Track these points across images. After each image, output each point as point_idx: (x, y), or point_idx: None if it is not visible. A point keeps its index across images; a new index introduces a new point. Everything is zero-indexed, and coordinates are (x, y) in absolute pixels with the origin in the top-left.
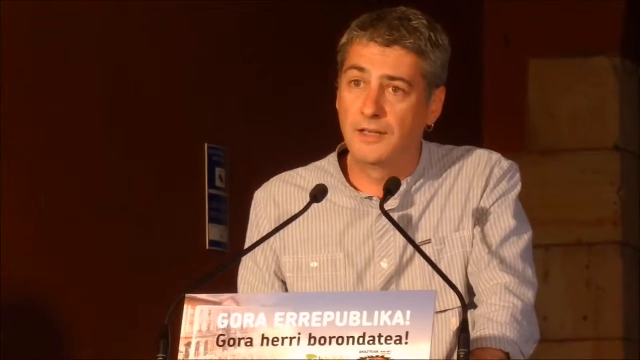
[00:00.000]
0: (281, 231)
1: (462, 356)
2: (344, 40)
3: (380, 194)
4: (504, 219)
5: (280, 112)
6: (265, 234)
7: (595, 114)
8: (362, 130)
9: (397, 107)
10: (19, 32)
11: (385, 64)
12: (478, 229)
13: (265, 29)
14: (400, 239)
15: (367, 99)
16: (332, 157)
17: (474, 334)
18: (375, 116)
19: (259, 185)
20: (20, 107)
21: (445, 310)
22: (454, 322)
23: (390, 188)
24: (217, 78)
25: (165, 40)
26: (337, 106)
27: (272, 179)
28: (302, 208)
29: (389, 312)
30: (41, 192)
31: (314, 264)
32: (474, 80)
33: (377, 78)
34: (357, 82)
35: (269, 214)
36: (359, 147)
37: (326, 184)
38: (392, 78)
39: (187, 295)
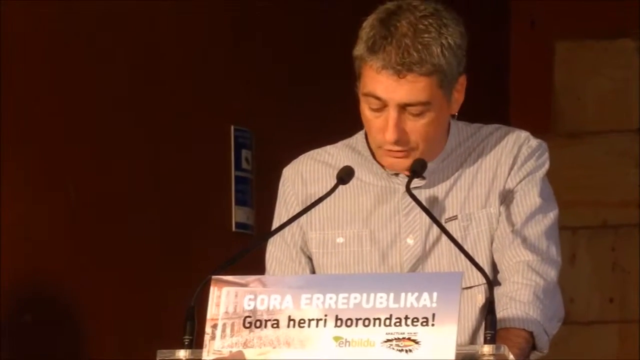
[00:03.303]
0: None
1: (488, 338)
2: (356, 52)
3: (408, 170)
4: (529, 196)
5: (306, 94)
6: (292, 211)
7: (620, 96)
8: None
9: (418, 124)
10: (44, 17)
11: (400, 93)
12: (504, 206)
13: (293, 14)
14: (426, 216)
15: (387, 126)
16: (360, 135)
17: (498, 312)
18: (398, 141)
19: (284, 167)
20: (47, 93)
21: (470, 287)
22: (480, 298)
23: (416, 169)
24: (243, 61)
25: (193, 24)
26: (361, 111)
27: (300, 156)
28: (329, 185)
29: (416, 294)
30: (69, 179)
31: (340, 240)
32: (501, 63)
33: (394, 106)
34: (375, 107)
35: (296, 191)
36: (386, 160)
37: (354, 162)
38: (409, 105)
39: (213, 277)
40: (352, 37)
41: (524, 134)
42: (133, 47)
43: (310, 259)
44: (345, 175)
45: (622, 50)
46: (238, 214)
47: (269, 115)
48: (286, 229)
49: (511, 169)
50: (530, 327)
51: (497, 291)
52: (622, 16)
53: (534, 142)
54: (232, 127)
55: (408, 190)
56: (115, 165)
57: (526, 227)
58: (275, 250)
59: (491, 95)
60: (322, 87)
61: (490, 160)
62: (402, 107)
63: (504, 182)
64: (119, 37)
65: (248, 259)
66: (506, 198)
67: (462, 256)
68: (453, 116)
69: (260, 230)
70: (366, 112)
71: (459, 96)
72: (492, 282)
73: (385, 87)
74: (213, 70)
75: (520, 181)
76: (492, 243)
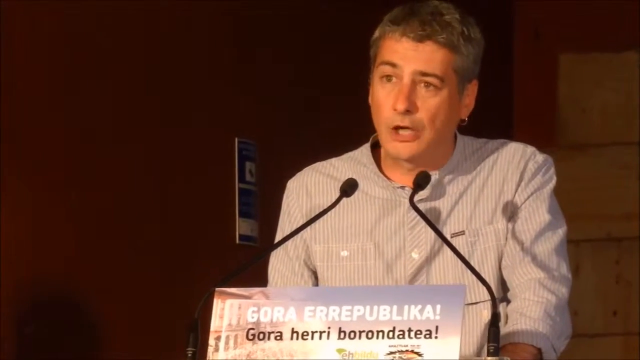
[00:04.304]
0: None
1: (491, 350)
2: (376, 34)
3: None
4: (538, 213)
5: (310, 106)
6: (296, 223)
7: (624, 108)
8: (396, 129)
9: (429, 103)
10: (49, 19)
11: (417, 60)
12: (512, 223)
13: (296, 25)
14: (431, 230)
15: (399, 95)
16: (365, 148)
17: (506, 328)
18: (407, 112)
19: (288, 179)
20: (50, 101)
21: (476, 303)
22: (485, 314)
23: (420, 182)
24: (247, 72)
25: (197, 35)
26: (370, 101)
27: (305, 169)
28: (334, 198)
29: (419, 306)
30: (72, 189)
31: (344, 253)
32: (505, 75)
33: (409, 74)
34: (389, 77)
35: (300, 203)
36: (393, 145)
37: (359, 174)
38: (424, 74)
39: (217, 289)
40: (361, 50)
41: (530, 149)
42: (136, 57)
43: (314, 272)
44: (348, 188)
45: (626, 63)
46: (242, 226)
47: (273, 128)
48: (289, 242)
49: (518, 185)
50: (539, 343)
51: (508, 308)
52: (626, 29)
53: (540, 157)
54: (236, 139)
55: (412, 203)
56: (119, 176)
57: (536, 244)
58: (278, 263)
59: (495, 107)
60: (327, 99)
61: (497, 175)
62: (416, 81)
63: (510, 197)
64: (122, 47)
65: (252, 271)
66: (514, 214)
67: (468, 272)
68: (463, 121)
69: (264, 243)
70: (377, 89)
71: (469, 101)
72: (495, 297)
73: (403, 53)
74: (217, 81)
75: (528, 197)
76: (499, 259)
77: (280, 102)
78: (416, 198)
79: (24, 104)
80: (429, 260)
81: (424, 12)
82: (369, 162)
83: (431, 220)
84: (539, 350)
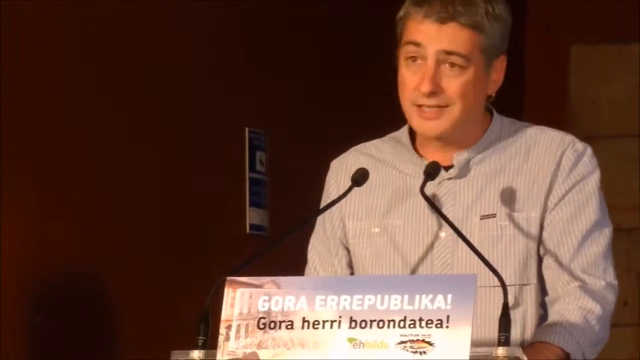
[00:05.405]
0: (347, 198)
1: (502, 340)
2: (400, 13)
3: (444, 161)
4: (586, 211)
5: (319, 96)
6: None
7: (635, 100)
8: (419, 106)
9: (454, 82)
10: (57, 22)
11: (441, 39)
12: (555, 215)
13: (307, 14)
14: (459, 209)
15: (424, 76)
16: (405, 127)
17: (542, 327)
18: (432, 93)
19: (298, 168)
20: (59, 101)
21: (498, 285)
22: (510, 299)
23: (430, 172)
24: (258, 62)
25: (206, 25)
26: (398, 79)
27: (349, 149)
28: (374, 177)
29: (430, 296)
30: (82, 181)
31: (376, 230)
32: (515, 67)
33: (433, 53)
34: (413, 58)
35: (338, 182)
36: (418, 122)
37: (397, 153)
38: (449, 53)
39: (228, 278)
40: (370, 38)
41: (568, 137)
42: (146, 49)
43: (348, 250)
44: (360, 178)
45: (637, 55)
46: (252, 216)
47: (284, 117)
48: (327, 221)
49: (555, 174)
50: (568, 347)
51: (550, 308)
52: (637, 20)
53: (579, 145)
54: (247, 129)
55: (422, 193)
56: (129, 167)
57: (584, 247)
58: (316, 241)
59: (505, 98)
60: (337, 88)
61: (532, 161)
62: (440, 60)
63: (547, 186)
64: (131, 39)
65: (263, 261)
66: (556, 206)
67: (494, 255)
68: (490, 97)
69: (275, 232)
70: (402, 69)
71: (497, 76)
72: (510, 284)
73: (426, 33)
74: (227, 72)
75: (571, 189)
76: (528, 247)
77: (290, 92)
78: (446, 176)
79: (23, 105)
80: (455, 240)
81: None
82: (406, 140)
83: (459, 199)
84: (567, 354)
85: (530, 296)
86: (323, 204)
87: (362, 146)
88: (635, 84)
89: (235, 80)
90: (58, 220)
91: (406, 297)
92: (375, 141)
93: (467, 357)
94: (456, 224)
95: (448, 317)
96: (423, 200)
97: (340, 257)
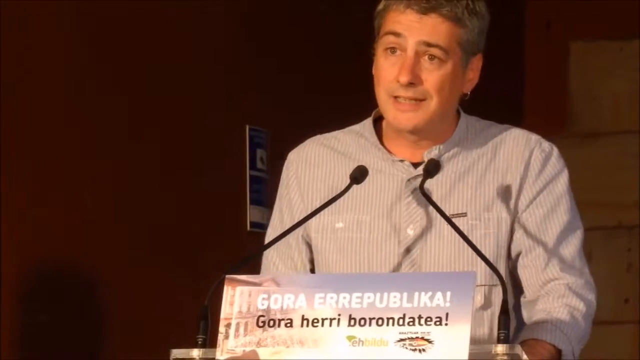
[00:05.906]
0: (308, 192)
1: (502, 337)
2: (380, 6)
3: (413, 157)
4: (559, 212)
5: (321, 93)
6: (292, 194)
7: (635, 96)
8: (396, 97)
9: (433, 75)
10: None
11: (421, 31)
12: (529, 218)
13: (308, 11)
14: (428, 206)
15: (403, 66)
16: (368, 122)
17: (531, 325)
18: (411, 84)
19: None
20: (59, 101)
21: (480, 285)
22: (478, 299)
23: (430, 169)
24: (258, 60)
25: (207, 23)
26: (373, 72)
27: (307, 140)
28: (333, 170)
29: (429, 293)
30: (84, 178)
31: (340, 225)
32: (516, 63)
33: (413, 44)
34: (393, 49)
35: (298, 174)
36: (394, 114)
37: (360, 146)
38: (429, 44)
39: (227, 276)
40: (369, 35)
41: (534, 137)
42: (146, 48)
43: (309, 244)
44: (359, 175)
45: (638, 51)
46: (253, 214)
47: (284, 115)
48: (286, 215)
49: (525, 175)
50: (561, 345)
51: (532, 307)
52: (637, 17)
53: (545, 145)
54: (247, 127)
55: (422, 190)
56: (129, 165)
57: (560, 246)
58: (274, 234)
59: (506, 95)
60: (338, 85)
61: (500, 160)
62: (420, 52)
63: (517, 187)
64: (132, 37)
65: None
66: (528, 208)
67: (464, 254)
68: (465, 95)
69: None
70: (380, 60)
71: (473, 75)
72: (505, 281)
73: (407, 24)
74: (228, 69)
75: (542, 190)
76: (498, 247)
77: (291, 89)
78: (415, 173)
79: (23, 105)
80: (423, 237)
81: None
82: (370, 135)
83: (435, 202)
84: (559, 351)
85: (498, 297)
86: (282, 196)
87: (321, 137)
88: (636, 81)
89: (235, 78)
90: (58, 219)
91: (405, 294)
92: (335, 133)
93: (466, 355)
94: (426, 222)
95: (447, 314)
96: (390, 196)
97: (301, 251)
